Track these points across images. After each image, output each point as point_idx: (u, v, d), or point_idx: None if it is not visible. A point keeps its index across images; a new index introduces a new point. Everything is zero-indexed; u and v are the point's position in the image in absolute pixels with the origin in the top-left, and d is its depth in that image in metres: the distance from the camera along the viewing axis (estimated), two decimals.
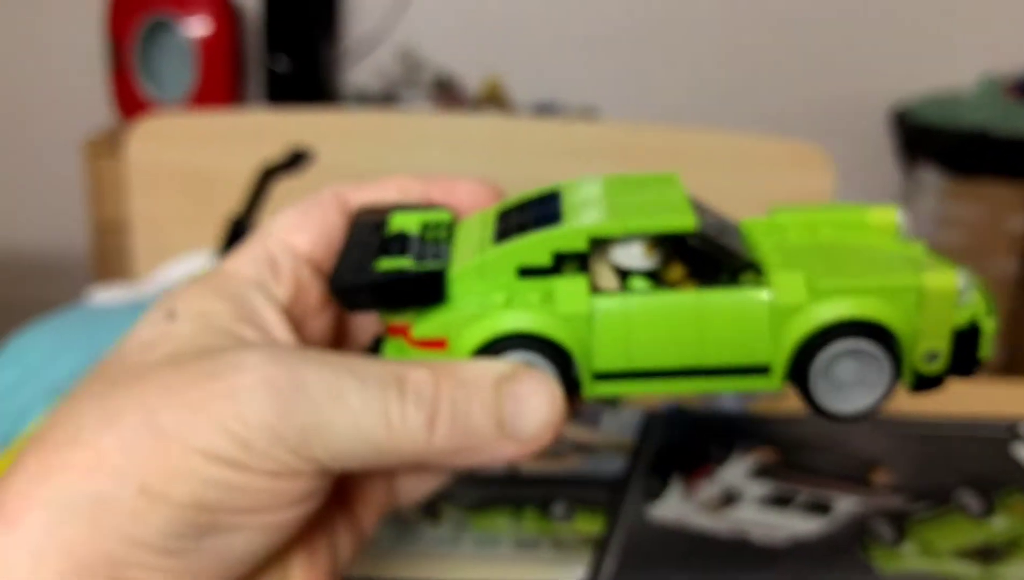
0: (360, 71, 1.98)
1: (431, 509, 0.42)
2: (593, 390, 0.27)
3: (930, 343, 0.27)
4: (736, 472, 0.45)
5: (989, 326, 0.27)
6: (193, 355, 0.24)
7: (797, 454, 0.46)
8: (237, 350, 0.24)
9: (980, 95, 1.88)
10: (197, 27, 1.73)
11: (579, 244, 0.26)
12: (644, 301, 0.26)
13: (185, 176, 1.16)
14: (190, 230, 1.14)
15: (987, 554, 0.40)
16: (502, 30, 1.98)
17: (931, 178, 1.82)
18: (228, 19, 1.78)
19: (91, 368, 0.26)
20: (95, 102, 1.82)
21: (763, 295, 0.26)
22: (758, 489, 0.44)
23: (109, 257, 1.65)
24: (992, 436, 0.50)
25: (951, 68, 1.94)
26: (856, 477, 0.46)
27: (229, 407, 0.23)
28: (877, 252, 0.28)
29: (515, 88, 1.96)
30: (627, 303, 0.26)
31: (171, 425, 0.23)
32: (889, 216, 0.29)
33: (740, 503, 0.43)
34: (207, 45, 1.76)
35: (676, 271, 0.26)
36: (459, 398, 0.24)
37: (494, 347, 0.26)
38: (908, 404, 0.59)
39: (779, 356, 0.26)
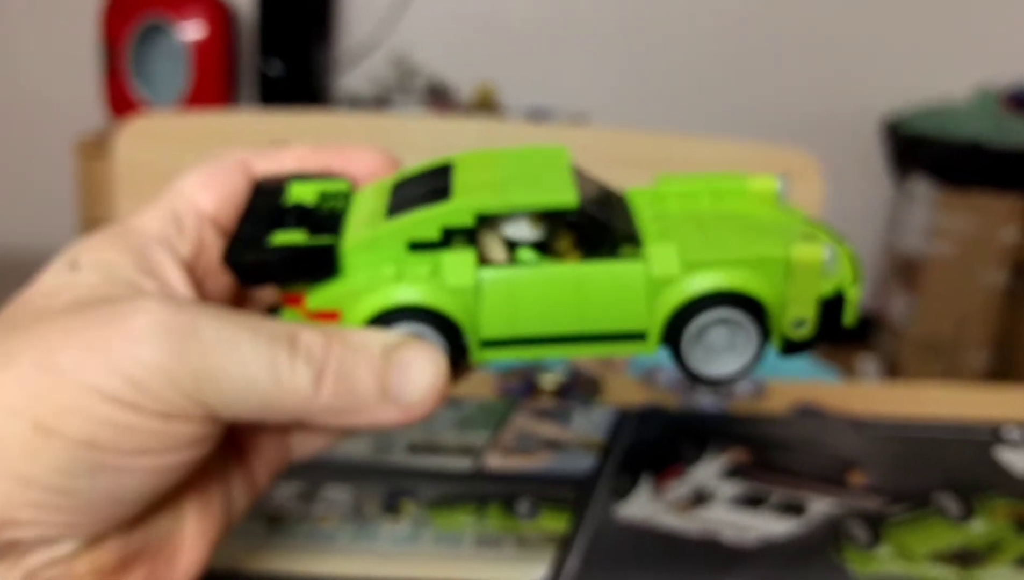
0: (353, 77, 1.97)
1: (391, 505, 0.40)
2: (481, 356, 0.28)
3: (797, 311, 0.28)
4: (708, 472, 0.43)
5: (853, 294, 0.29)
6: (94, 303, 0.25)
7: (772, 454, 0.45)
8: (135, 297, 0.25)
9: (974, 106, 1.88)
10: (191, 30, 1.72)
11: (466, 220, 0.27)
12: (527, 273, 0.27)
13: (173, 177, 1.15)
14: None
15: (965, 558, 0.39)
16: (495, 37, 1.97)
17: (923, 189, 1.81)
18: (222, 23, 1.77)
19: None
20: (88, 104, 1.81)
21: (639, 267, 0.27)
22: (730, 489, 0.42)
23: None
24: (974, 439, 0.49)
25: (945, 79, 1.93)
26: (832, 478, 0.44)
27: (125, 348, 0.23)
28: (753, 221, 0.29)
29: (507, 94, 1.95)
30: (511, 275, 0.27)
31: (67, 364, 0.23)
32: (769, 184, 0.31)
33: (711, 503, 0.41)
34: (201, 48, 1.75)
35: (564, 242, 0.27)
36: (347, 360, 0.25)
37: (384, 319, 0.27)
38: (889, 407, 0.58)
39: (654, 323, 0.28)
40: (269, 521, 0.39)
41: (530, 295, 0.27)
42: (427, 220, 0.27)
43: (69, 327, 0.24)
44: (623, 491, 0.42)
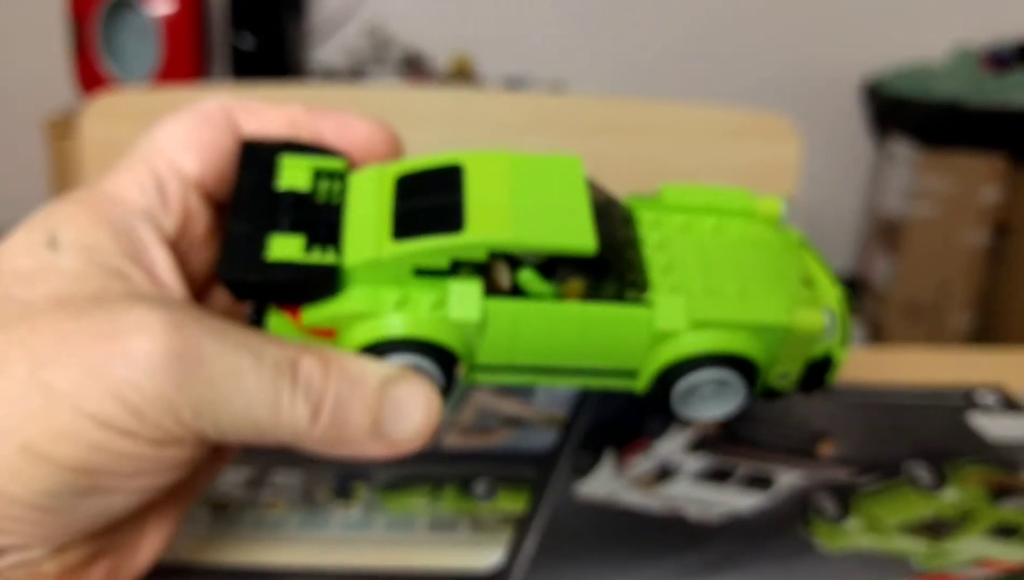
0: (327, 49, 1.94)
1: (343, 490, 0.39)
2: (472, 377, 0.28)
3: (785, 367, 0.29)
4: (673, 446, 0.42)
5: (840, 357, 0.30)
6: (84, 301, 0.23)
7: (739, 427, 0.44)
8: (134, 306, 0.23)
9: (953, 67, 1.86)
10: (160, 5, 1.69)
11: (479, 255, 0.26)
12: (533, 307, 0.26)
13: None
14: None
15: (936, 528, 0.38)
16: (470, 6, 1.94)
17: (903, 150, 1.80)
18: None
19: None
20: (58, 82, 1.78)
21: (644, 315, 0.27)
22: (695, 463, 0.41)
23: None
24: (947, 405, 0.48)
25: (923, 40, 1.91)
26: (801, 449, 0.43)
27: (125, 373, 0.22)
28: (755, 261, 0.30)
29: (484, 64, 1.92)
30: (517, 308, 0.26)
31: (62, 385, 0.22)
32: (774, 207, 0.31)
33: (675, 478, 0.40)
34: (170, 23, 1.72)
35: (563, 274, 0.27)
36: (343, 392, 0.25)
37: (382, 349, 0.26)
38: (863, 373, 0.57)
39: (649, 368, 0.28)
40: (213, 509, 0.38)
41: (532, 328, 0.27)
42: (438, 250, 0.26)
43: (61, 335, 0.23)
44: (584, 468, 0.40)
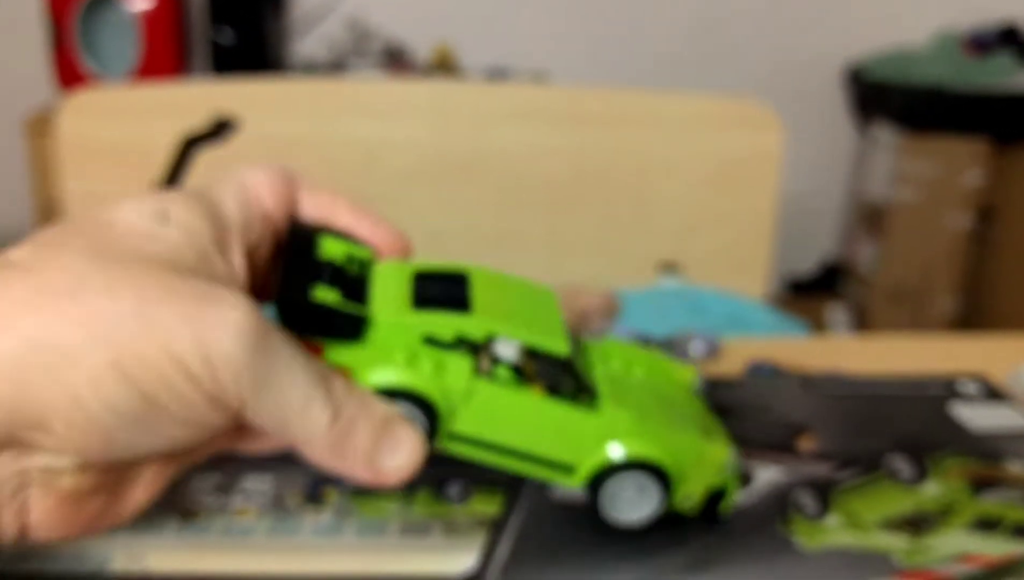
0: (308, 42, 1.92)
1: (314, 495, 0.38)
2: (446, 446, 0.33)
3: (690, 488, 0.36)
4: None
5: (732, 490, 0.37)
6: (187, 268, 0.27)
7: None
8: (227, 286, 0.28)
9: (935, 51, 1.86)
10: (139, 1, 1.67)
11: (479, 335, 0.32)
12: (506, 391, 0.32)
13: (121, 151, 1.11)
14: None
15: (917, 523, 0.37)
16: None
17: (886, 135, 1.79)
18: None
19: (68, 220, 0.28)
20: (36, 80, 1.76)
21: (593, 418, 0.34)
22: None
23: None
24: (928, 394, 0.47)
25: (905, 24, 1.91)
26: (780, 445, 0.42)
27: (215, 333, 0.26)
28: (676, 405, 0.38)
29: (466, 55, 1.91)
30: (494, 389, 0.32)
31: (161, 322, 0.25)
32: (688, 374, 0.40)
33: None
34: (149, 19, 1.70)
35: (531, 369, 0.33)
36: (356, 414, 0.29)
37: (387, 394, 0.31)
38: (846, 361, 0.56)
39: (587, 464, 0.34)
40: (182, 516, 0.37)
41: (501, 408, 0.33)
42: (448, 324, 0.32)
43: (168, 286, 0.26)
44: None
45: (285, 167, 0.34)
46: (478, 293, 0.33)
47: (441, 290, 0.33)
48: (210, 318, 0.26)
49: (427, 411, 0.32)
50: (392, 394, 0.31)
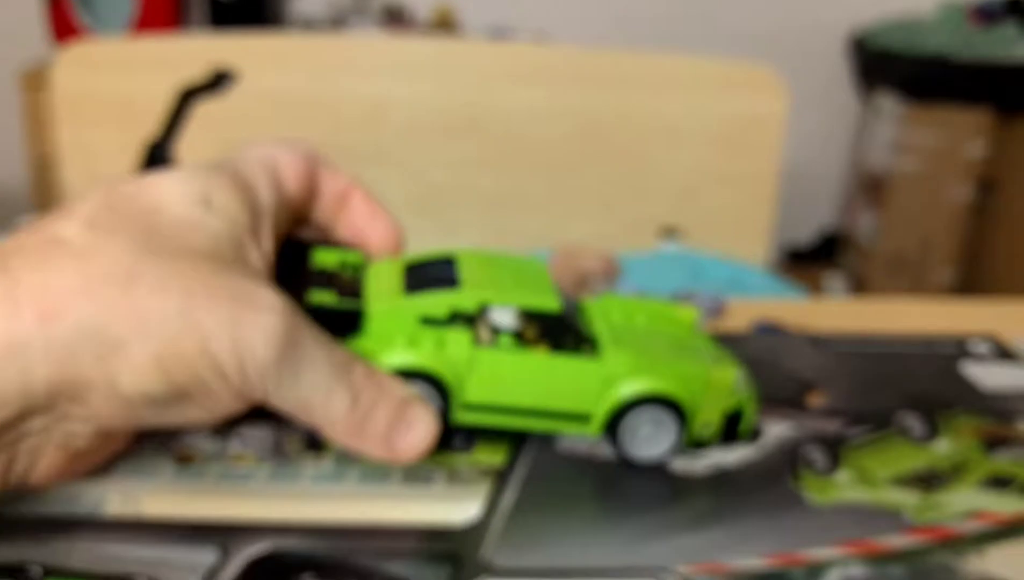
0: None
1: (314, 442, 0.37)
2: (461, 418, 0.35)
3: (706, 417, 0.37)
4: None
5: (750, 410, 0.38)
6: (227, 260, 0.29)
7: None
8: (263, 284, 0.30)
9: (940, 20, 1.84)
10: None
11: (471, 306, 0.34)
12: (511, 355, 0.34)
13: (117, 105, 1.09)
14: (124, 159, 1.08)
15: (928, 480, 0.37)
16: None
17: (888, 104, 1.78)
18: None
19: (111, 192, 0.30)
20: (32, 34, 1.74)
21: (596, 365, 0.35)
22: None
23: (50, 191, 1.59)
24: (939, 354, 0.46)
25: None
26: (790, 400, 0.42)
27: (249, 336, 0.28)
28: (679, 341, 0.38)
29: (466, 14, 1.89)
30: (498, 355, 0.34)
31: (202, 324, 0.27)
32: (690, 314, 0.40)
33: None
34: None
35: (531, 333, 0.35)
36: (375, 397, 0.31)
37: (395, 375, 0.33)
38: (849, 323, 0.56)
39: (599, 410, 0.36)
40: (178, 461, 0.36)
41: (510, 373, 0.34)
42: (441, 302, 0.34)
43: (212, 287, 0.28)
44: None
45: (309, 146, 0.35)
46: (466, 271, 0.35)
47: (431, 274, 0.35)
48: (247, 322, 0.28)
49: (437, 388, 0.34)
50: (401, 376, 0.33)
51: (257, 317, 0.28)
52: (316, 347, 0.30)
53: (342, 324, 0.33)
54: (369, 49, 1.13)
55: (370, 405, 0.31)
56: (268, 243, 0.32)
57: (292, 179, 0.34)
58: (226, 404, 0.29)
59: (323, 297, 0.33)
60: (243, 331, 0.28)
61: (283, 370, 0.29)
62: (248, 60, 1.07)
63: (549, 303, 0.35)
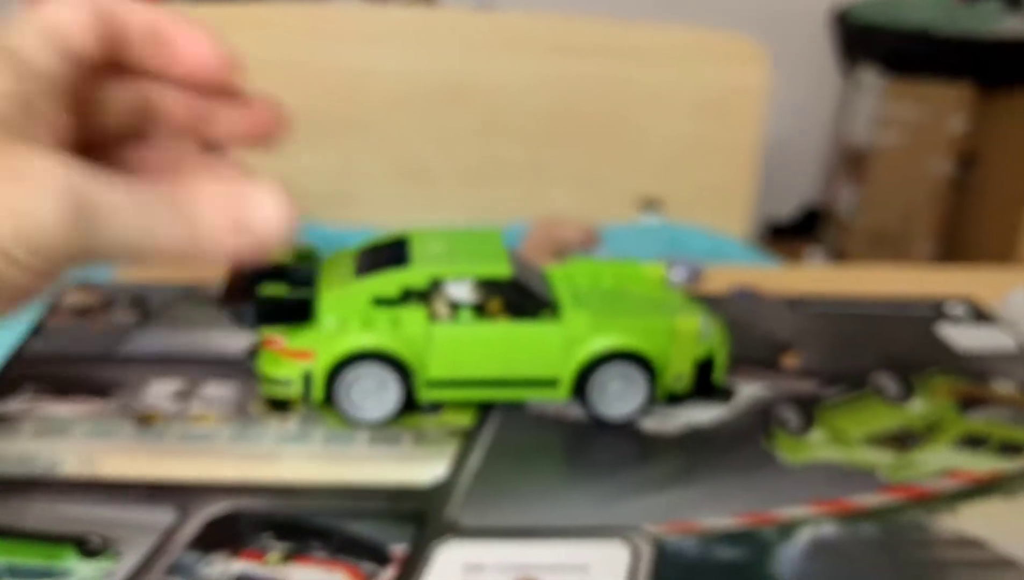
0: None
1: (281, 403, 0.36)
2: (427, 395, 0.35)
3: (677, 368, 0.36)
4: None
5: (721, 357, 0.37)
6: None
7: None
8: (35, 151, 0.26)
9: None
10: None
11: (422, 282, 0.34)
12: (468, 328, 0.34)
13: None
14: None
15: (903, 440, 0.36)
16: None
17: (870, 78, 1.77)
18: None
19: None
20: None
21: (556, 327, 0.35)
22: None
23: None
24: (916, 315, 0.46)
25: None
26: (764, 361, 0.41)
27: (30, 212, 0.24)
28: (645, 297, 0.38)
29: None
30: (455, 329, 0.34)
31: None
32: (657, 270, 0.40)
33: None
34: None
35: (494, 305, 0.34)
36: (201, 210, 0.27)
37: (351, 360, 0.34)
38: (828, 287, 0.55)
39: (566, 374, 0.35)
40: (138, 421, 0.35)
41: (469, 345, 0.34)
42: (390, 281, 0.34)
43: None
44: None
45: None
46: (417, 249, 0.35)
47: (382, 256, 0.35)
48: (23, 197, 0.25)
49: (398, 368, 0.34)
50: (356, 359, 0.34)
51: (32, 191, 0.25)
52: (115, 196, 0.26)
53: (292, 312, 0.34)
54: (352, 18, 1.11)
55: (197, 217, 0.27)
56: (59, 113, 0.28)
57: (79, 35, 0.30)
58: (36, 283, 0.26)
59: (274, 289, 0.34)
60: (21, 210, 0.25)
61: (83, 234, 0.25)
62: (230, 28, 1.05)
63: (500, 270, 0.34)
